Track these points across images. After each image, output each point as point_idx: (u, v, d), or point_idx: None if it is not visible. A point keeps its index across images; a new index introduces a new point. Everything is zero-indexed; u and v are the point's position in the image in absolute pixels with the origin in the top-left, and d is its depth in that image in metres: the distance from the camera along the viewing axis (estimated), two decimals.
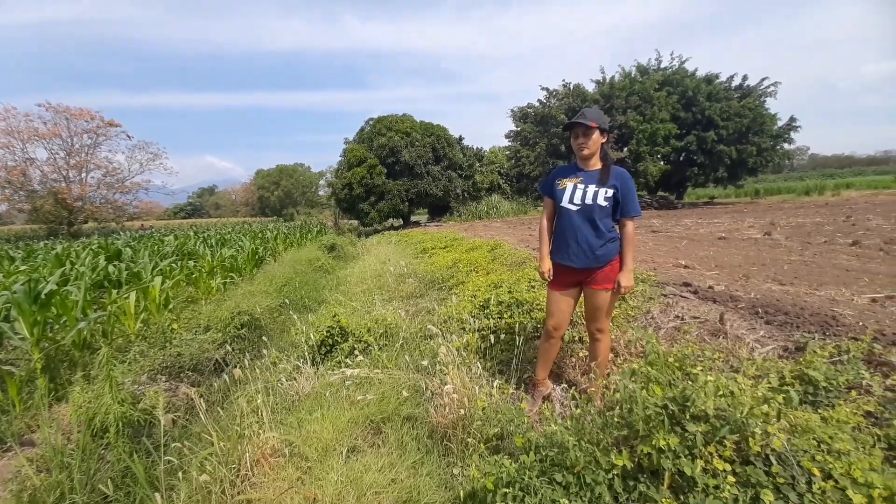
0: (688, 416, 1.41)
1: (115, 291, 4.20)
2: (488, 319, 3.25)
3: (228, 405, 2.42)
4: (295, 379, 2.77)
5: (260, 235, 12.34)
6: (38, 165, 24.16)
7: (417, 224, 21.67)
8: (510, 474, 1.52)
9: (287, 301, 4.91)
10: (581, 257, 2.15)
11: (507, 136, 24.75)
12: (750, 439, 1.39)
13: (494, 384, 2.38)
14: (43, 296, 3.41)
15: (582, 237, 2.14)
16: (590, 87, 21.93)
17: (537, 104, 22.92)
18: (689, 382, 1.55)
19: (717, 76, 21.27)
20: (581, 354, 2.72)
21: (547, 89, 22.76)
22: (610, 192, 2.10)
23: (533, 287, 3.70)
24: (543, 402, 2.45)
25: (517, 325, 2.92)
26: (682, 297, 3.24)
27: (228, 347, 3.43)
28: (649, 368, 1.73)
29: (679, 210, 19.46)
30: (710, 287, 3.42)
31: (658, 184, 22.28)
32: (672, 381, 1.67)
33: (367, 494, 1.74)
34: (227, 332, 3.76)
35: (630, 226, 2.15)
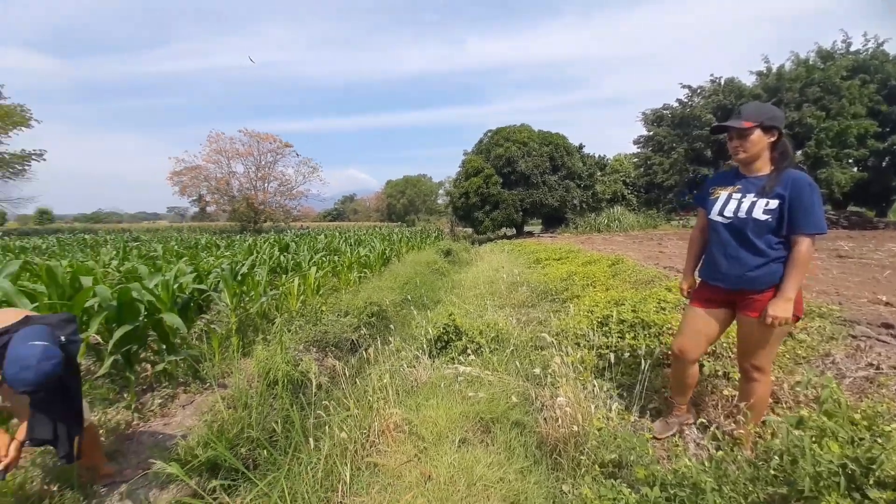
0: (871, 482, 1.12)
1: (284, 276, 5.26)
2: (607, 338, 3.04)
3: (361, 380, 2.81)
4: (414, 367, 3.06)
5: (388, 238, 13.83)
6: (237, 177, 31.79)
7: (530, 234, 21.33)
8: None
9: (409, 297, 5.41)
10: (731, 278, 1.84)
11: (635, 143, 22.59)
12: None
13: (612, 407, 2.23)
14: (239, 276, 4.50)
15: (732, 254, 1.83)
16: (748, 81, 18.46)
17: (676, 105, 20.33)
18: (878, 441, 1.22)
19: None
20: (725, 393, 2.34)
21: (689, 87, 19.99)
22: (773, 204, 1.73)
23: (663, 309, 3.32)
24: (677, 432, 2.17)
25: (642, 349, 2.67)
26: (879, 340, 2.51)
27: (362, 331, 3.98)
28: (824, 419, 1.42)
29: (881, 231, 14.80)
30: None
31: (848, 196, 17.36)
32: (855, 439, 1.33)
33: (476, 485, 1.82)
34: (360, 318, 4.35)
35: (803, 245, 1.71)
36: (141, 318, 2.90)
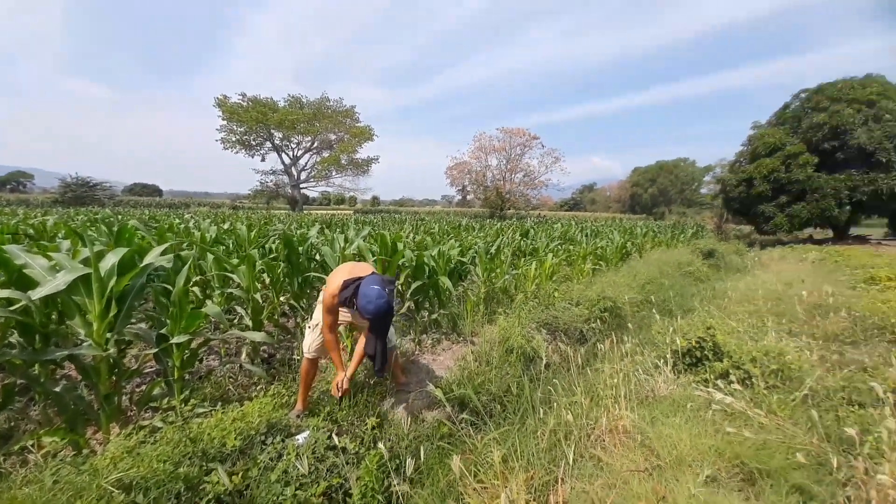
0: None
1: (522, 259, 5.76)
2: None
3: (591, 372, 2.80)
4: (652, 376, 2.76)
5: (630, 231, 12.58)
6: (491, 169, 36.41)
7: (862, 239, 14.37)
8: None
9: (651, 299, 4.82)
10: None
11: None
12: None
13: None
14: (490, 254, 5.26)
15: None
16: None
17: None
18: None
19: None
20: None
21: None
22: None
23: None
24: None
25: None
26: None
27: (594, 324, 3.89)
28: None
29: None
30: None
31: None
32: None
33: None
34: (592, 310, 4.25)
35: None
36: (426, 277, 3.91)
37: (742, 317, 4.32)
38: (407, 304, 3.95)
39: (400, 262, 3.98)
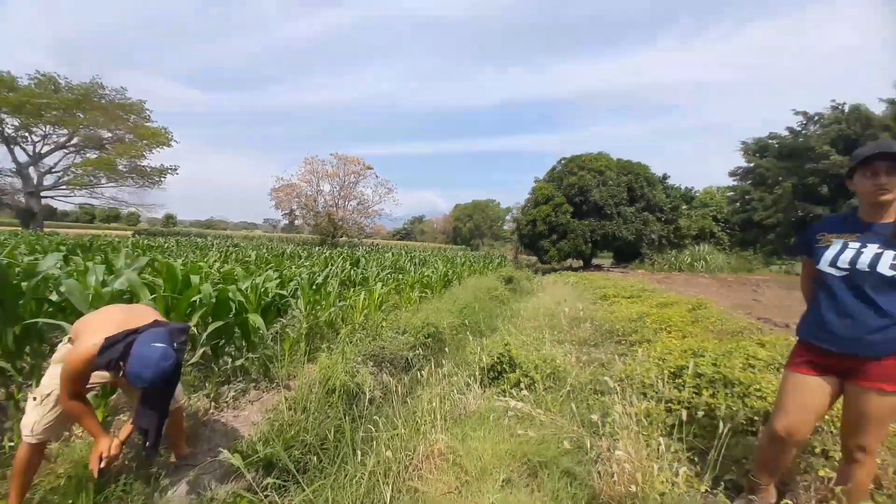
0: None
1: (352, 289, 5.61)
2: (679, 391, 2.72)
3: (411, 399, 2.85)
4: (464, 394, 3.02)
5: (451, 261, 14.06)
6: (323, 195, 35.13)
7: (599, 268, 20.13)
8: None
9: (466, 322, 5.40)
10: (844, 341, 1.58)
11: (731, 174, 20.49)
12: None
13: (680, 472, 1.97)
14: (315, 285, 4.90)
15: (847, 313, 1.58)
16: (878, 109, 15.86)
17: (785, 134, 18.13)
18: None
19: None
20: (821, 473, 1.95)
21: (804, 114, 17.73)
22: None
23: (752, 366, 2.90)
24: None
25: (722, 409, 2.34)
26: None
27: (418, 351, 4.05)
28: None
29: None
30: None
31: None
32: None
33: None
34: (417, 337, 4.44)
35: None
36: (231, 316, 3.29)
37: (529, 331, 5.30)
38: (202, 351, 3.21)
39: (195, 299, 3.25)
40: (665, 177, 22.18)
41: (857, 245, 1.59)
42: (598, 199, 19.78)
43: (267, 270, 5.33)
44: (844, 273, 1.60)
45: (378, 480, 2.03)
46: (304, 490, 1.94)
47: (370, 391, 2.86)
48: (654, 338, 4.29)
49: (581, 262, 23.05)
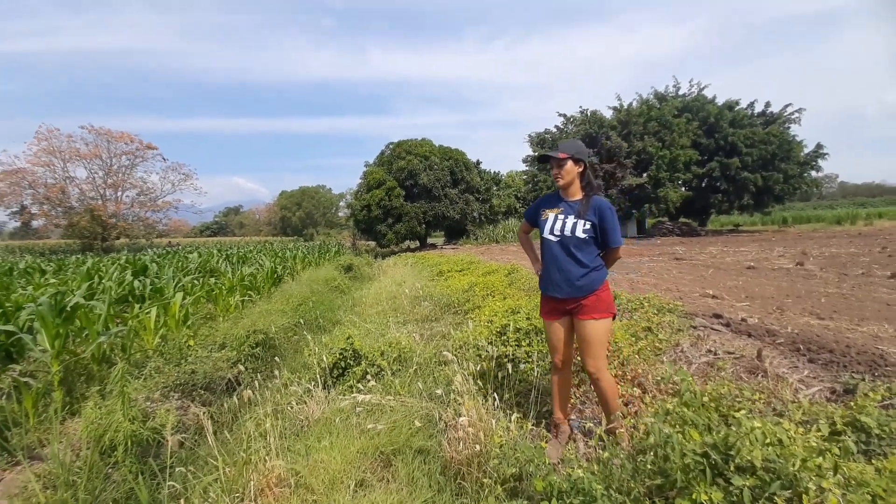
0: (732, 468, 1.27)
1: (137, 306, 4.27)
2: (506, 346, 3.12)
3: (237, 427, 2.36)
4: (305, 403, 2.70)
5: (280, 255, 12.57)
6: (78, 184, 25.72)
7: (434, 247, 21.73)
8: None
9: (302, 321, 4.89)
10: (563, 287, 2.13)
11: (524, 161, 24.96)
12: (804, 496, 1.24)
13: (512, 418, 2.24)
14: (68, 309, 3.49)
15: (562, 267, 2.13)
16: (608, 114, 22.06)
17: (554, 130, 23.15)
18: (732, 428, 1.41)
19: (737, 102, 21.27)
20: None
21: (564, 115, 23.03)
22: (588, 225, 2.10)
23: None
24: (567, 443, 2.29)
25: (535, 354, 2.79)
26: (713, 329, 3.06)
27: (242, 367, 3.39)
28: (685, 410, 1.59)
29: (703, 237, 18.90)
30: (742, 320, 3.22)
31: (680, 210, 21.84)
32: (709, 425, 1.52)
33: None
34: (241, 350, 3.74)
35: (614, 254, 2.19)
36: None
37: (374, 317, 5.23)
38: None
39: None
40: (478, 162, 25.42)
41: (563, 217, 2.15)
42: (426, 182, 21.09)
43: None
44: (558, 238, 2.14)
45: None
46: None
47: (173, 433, 2.22)
48: (483, 304, 4.83)
49: (417, 243, 24.36)
